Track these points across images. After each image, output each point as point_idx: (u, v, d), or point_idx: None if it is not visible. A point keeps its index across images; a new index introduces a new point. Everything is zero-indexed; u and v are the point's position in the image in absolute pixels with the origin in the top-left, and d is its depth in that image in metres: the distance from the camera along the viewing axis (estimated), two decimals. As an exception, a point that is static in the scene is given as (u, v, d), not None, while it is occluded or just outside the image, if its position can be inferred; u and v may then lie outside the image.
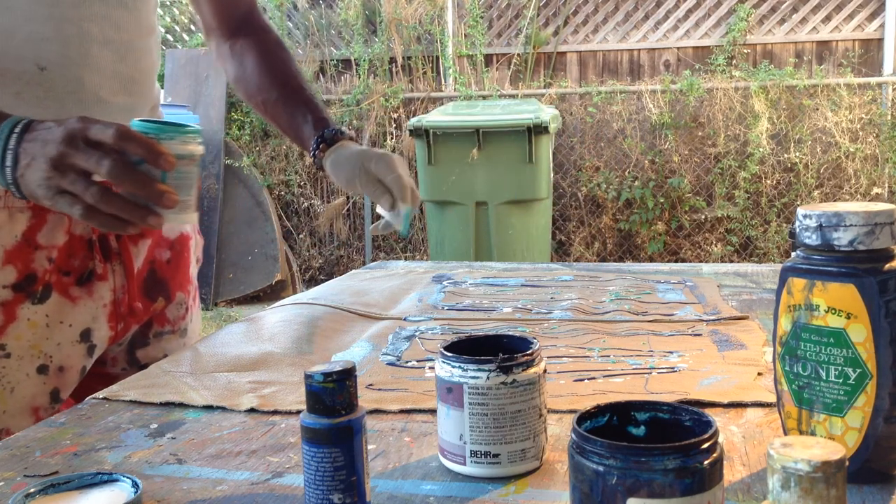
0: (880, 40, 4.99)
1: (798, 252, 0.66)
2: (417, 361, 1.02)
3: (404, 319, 1.22)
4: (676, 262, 4.90)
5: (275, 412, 0.85)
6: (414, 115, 4.96)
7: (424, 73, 5.51)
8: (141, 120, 0.88)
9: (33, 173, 0.83)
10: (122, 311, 1.09)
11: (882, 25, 4.97)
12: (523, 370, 0.68)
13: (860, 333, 0.62)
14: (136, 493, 0.61)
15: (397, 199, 1.10)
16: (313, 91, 1.24)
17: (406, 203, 1.10)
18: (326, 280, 1.89)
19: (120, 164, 0.82)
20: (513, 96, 5.19)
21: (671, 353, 1.01)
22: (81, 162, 0.82)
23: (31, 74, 0.96)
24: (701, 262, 4.99)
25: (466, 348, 0.73)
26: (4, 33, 0.95)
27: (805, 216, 0.65)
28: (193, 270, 1.24)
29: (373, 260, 5.44)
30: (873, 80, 4.84)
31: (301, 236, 5.67)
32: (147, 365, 1.12)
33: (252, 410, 0.86)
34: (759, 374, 0.91)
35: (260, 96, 1.24)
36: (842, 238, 0.63)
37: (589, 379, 0.93)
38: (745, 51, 5.17)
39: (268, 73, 1.23)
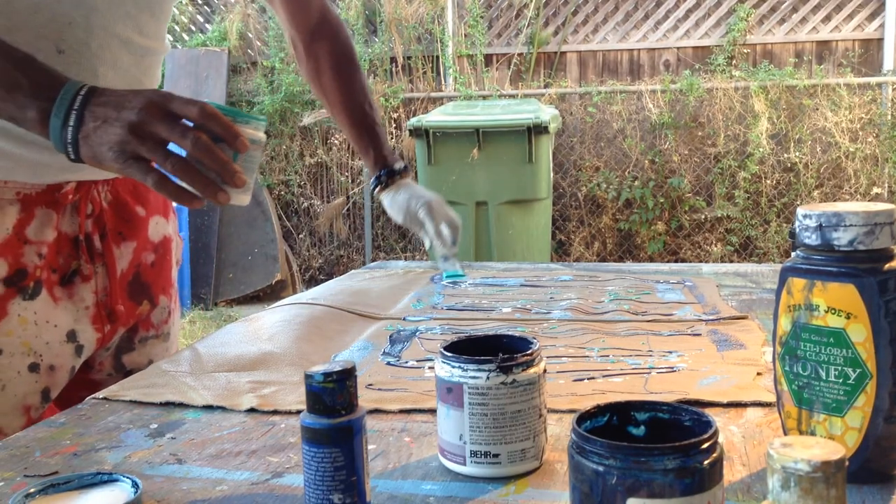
0: (880, 40, 4.99)
1: (798, 252, 0.66)
2: (417, 361, 1.02)
3: (404, 319, 1.22)
4: (676, 262, 4.90)
5: (275, 412, 0.85)
6: (414, 115, 4.96)
7: (424, 73, 5.51)
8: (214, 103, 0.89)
9: (104, 135, 0.82)
10: (107, 313, 1.08)
11: (882, 25, 4.97)
12: (523, 370, 0.68)
13: (860, 333, 0.62)
14: (136, 493, 0.61)
15: (432, 238, 1.35)
16: (376, 115, 1.42)
17: (441, 238, 1.35)
18: (326, 280, 1.89)
19: (205, 139, 0.82)
20: (513, 96, 5.18)
21: (670, 352, 1.01)
22: (164, 132, 0.81)
23: (47, 55, 0.95)
24: (701, 262, 4.99)
25: (466, 348, 0.73)
26: (29, 8, 0.94)
27: (805, 216, 0.65)
28: (174, 273, 1.24)
29: (373, 260, 5.43)
30: (873, 79, 4.84)
31: (301, 236, 5.67)
32: (133, 371, 1.12)
33: (252, 410, 0.86)
34: (759, 373, 0.91)
35: (331, 108, 1.42)
36: (842, 238, 0.63)
37: (588, 379, 0.93)
38: (745, 51, 5.16)
39: (340, 94, 1.39)
